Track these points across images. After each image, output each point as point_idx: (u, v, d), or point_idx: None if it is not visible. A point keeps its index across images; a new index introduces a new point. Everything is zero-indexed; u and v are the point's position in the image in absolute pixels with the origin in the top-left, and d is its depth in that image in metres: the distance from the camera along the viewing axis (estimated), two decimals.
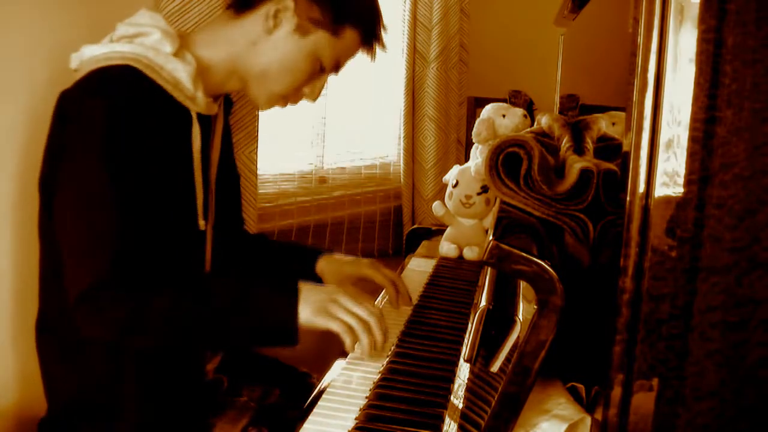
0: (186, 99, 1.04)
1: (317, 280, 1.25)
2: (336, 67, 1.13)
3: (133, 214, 0.94)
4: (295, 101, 1.15)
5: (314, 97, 1.14)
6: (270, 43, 1.07)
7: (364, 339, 0.94)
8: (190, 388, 1.13)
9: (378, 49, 1.16)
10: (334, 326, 0.94)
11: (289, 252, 1.34)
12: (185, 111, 1.05)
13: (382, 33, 1.15)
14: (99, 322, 0.94)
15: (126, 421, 1.03)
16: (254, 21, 1.07)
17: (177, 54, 1.04)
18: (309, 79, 1.12)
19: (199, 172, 1.07)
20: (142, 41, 1.01)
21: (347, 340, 0.95)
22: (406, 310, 1.24)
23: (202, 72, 1.07)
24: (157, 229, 0.98)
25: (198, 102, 1.06)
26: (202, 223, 1.08)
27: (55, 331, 1.04)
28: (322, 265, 1.26)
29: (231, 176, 1.28)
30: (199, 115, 1.07)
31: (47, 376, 1.06)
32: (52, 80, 1.05)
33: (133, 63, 0.98)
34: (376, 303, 1.03)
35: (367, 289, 1.25)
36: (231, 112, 1.30)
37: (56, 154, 0.97)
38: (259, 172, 1.66)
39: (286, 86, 1.11)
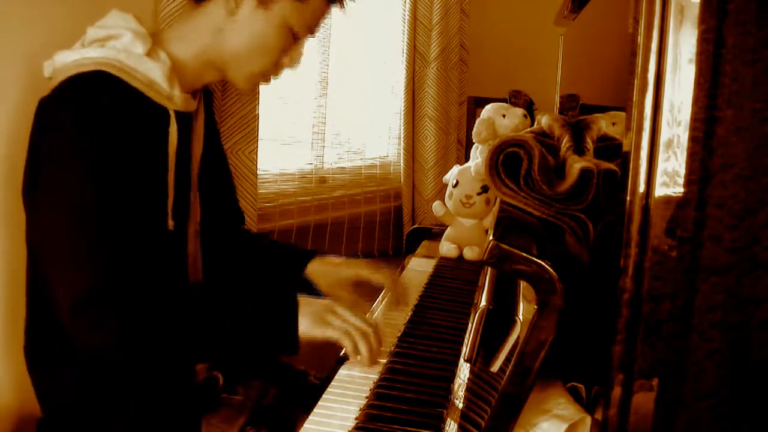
0: (163, 98, 1.03)
1: (306, 283, 1.24)
2: (310, 31, 1.10)
3: (115, 217, 0.94)
4: (276, 74, 1.12)
5: (295, 64, 1.11)
6: (236, 25, 1.04)
7: (362, 348, 0.96)
8: (183, 386, 1.12)
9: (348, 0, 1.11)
10: (333, 334, 0.96)
11: (278, 253, 1.32)
12: (163, 110, 1.04)
13: None
14: (99, 329, 0.93)
15: (119, 422, 1.03)
16: (215, 6, 1.05)
17: (150, 54, 1.02)
18: (284, 51, 1.08)
19: (173, 172, 1.05)
20: (114, 44, 1.00)
21: (347, 345, 0.97)
22: (406, 310, 1.24)
23: (176, 69, 1.05)
24: (134, 231, 0.97)
25: (175, 100, 1.05)
26: (171, 223, 1.05)
27: (43, 338, 1.04)
28: (313, 268, 1.25)
29: (219, 170, 1.26)
30: (178, 113, 1.06)
31: (37, 382, 1.06)
32: (33, 86, 1.04)
33: (105, 68, 0.97)
34: (371, 311, 1.03)
35: (364, 293, 1.25)
36: (212, 103, 1.27)
37: (36, 164, 0.96)
38: (259, 172, 1.66)
39: (262, 64, 1.08)
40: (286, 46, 1.08)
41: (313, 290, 1.24)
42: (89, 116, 0.93)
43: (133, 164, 0.98)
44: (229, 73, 1.10)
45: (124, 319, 0.93)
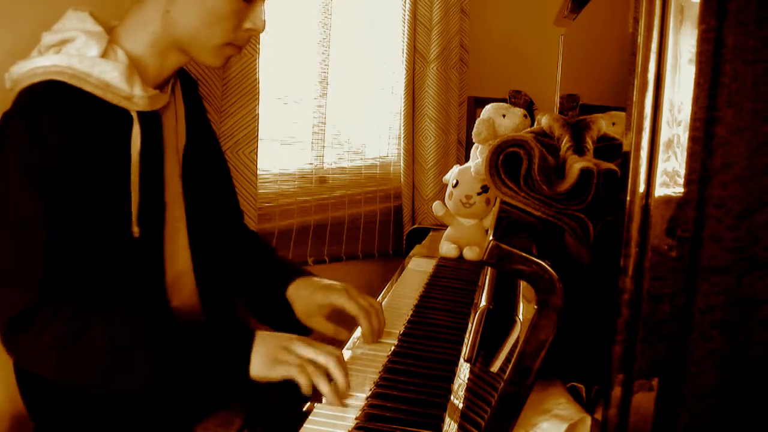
0: (122, 100, 1.00)
1: (287, 305, 1.18)
2: None
3: (62, 232, 0.92)
4: (243, 41, 1.07)
5: (261, 27, 1.06)
6: (180, 6, 1.01)
7: (322, 386, 0.90)
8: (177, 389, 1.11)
9: None
10: (288, 372, 0.92)
11: (264, 269, 1.26)
12: (123, 113, 1.01)
13: None
14: (33, 351, 0.91)
15: (113, 422, 1.03)
16: None
17: (106, 53, 0.99)
18: (240, 17, 1.04)
19: (137, 175, 1.01)
20: (68, 49, 0.97)
21: (302, 383, 0.91)
22: (406, 312, 1.24)
23: (136, 64, 1.02)
24: (90, 243, 0.95)
25: (136, 100, 1.01)
26: (135, 230, 1.01)
27: None
28: (293, 291, 1.18)
29: (211, 164, 1.21)
30: (146, 112, 1.03)
31: (23, 387, 1.05)
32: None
33: (56, 76, 0.95)
34: (339, 348, 0.98)
35: (345, 319, 1.15)
36: (197, 92, 1.22)
37: None
38: (259, 172, 1.66)
39: (220, 35, 1.03)
40: (239, 9, 1.03)
41: (290, 314, 1.18)
42: (36, 130, 0.91)
43: (88, 173, 0.95)
44: (193, 53, 1.06)
45: (62, 341, 0.90)
